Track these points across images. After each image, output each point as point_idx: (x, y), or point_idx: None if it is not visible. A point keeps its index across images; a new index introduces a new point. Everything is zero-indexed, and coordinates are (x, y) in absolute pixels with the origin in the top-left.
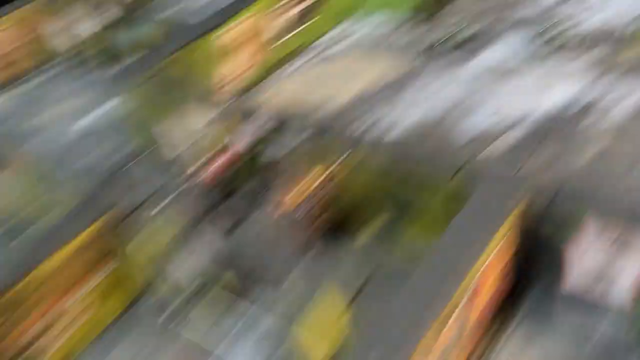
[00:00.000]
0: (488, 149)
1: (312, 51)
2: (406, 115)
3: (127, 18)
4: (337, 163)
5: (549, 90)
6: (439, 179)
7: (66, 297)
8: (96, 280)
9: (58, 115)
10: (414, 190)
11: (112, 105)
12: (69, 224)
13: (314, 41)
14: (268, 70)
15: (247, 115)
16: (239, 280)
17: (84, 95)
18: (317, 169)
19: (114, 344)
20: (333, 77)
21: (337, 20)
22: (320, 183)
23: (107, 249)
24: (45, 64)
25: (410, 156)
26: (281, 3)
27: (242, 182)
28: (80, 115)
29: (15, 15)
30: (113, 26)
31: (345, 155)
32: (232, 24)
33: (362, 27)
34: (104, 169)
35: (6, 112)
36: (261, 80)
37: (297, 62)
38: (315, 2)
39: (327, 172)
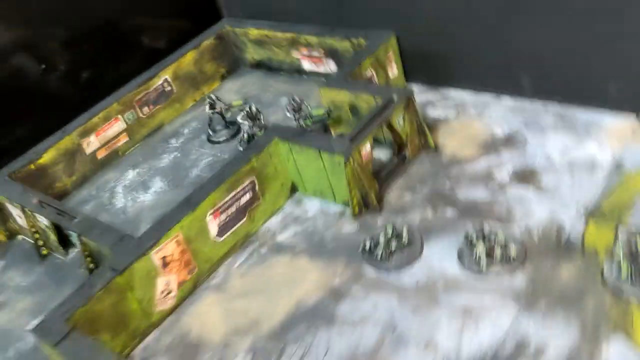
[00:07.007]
0: None
1: (249, 249)
2: (335, 343)
3: None
4: None
5: (475, 324)
6: None
7: None
8: None
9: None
10: None
11: None
12: None
13: (252, 235)
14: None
15: None
16: None
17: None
18: None
19: None
20: (269, 284)
21: (274, 209)
22: None
23: None
24: None
25: None
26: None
27: None
28: None
29: None
30: None
31: None
32: (166, 240)
33: (295, 221)
34: None
35: None
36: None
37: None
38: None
39: None
